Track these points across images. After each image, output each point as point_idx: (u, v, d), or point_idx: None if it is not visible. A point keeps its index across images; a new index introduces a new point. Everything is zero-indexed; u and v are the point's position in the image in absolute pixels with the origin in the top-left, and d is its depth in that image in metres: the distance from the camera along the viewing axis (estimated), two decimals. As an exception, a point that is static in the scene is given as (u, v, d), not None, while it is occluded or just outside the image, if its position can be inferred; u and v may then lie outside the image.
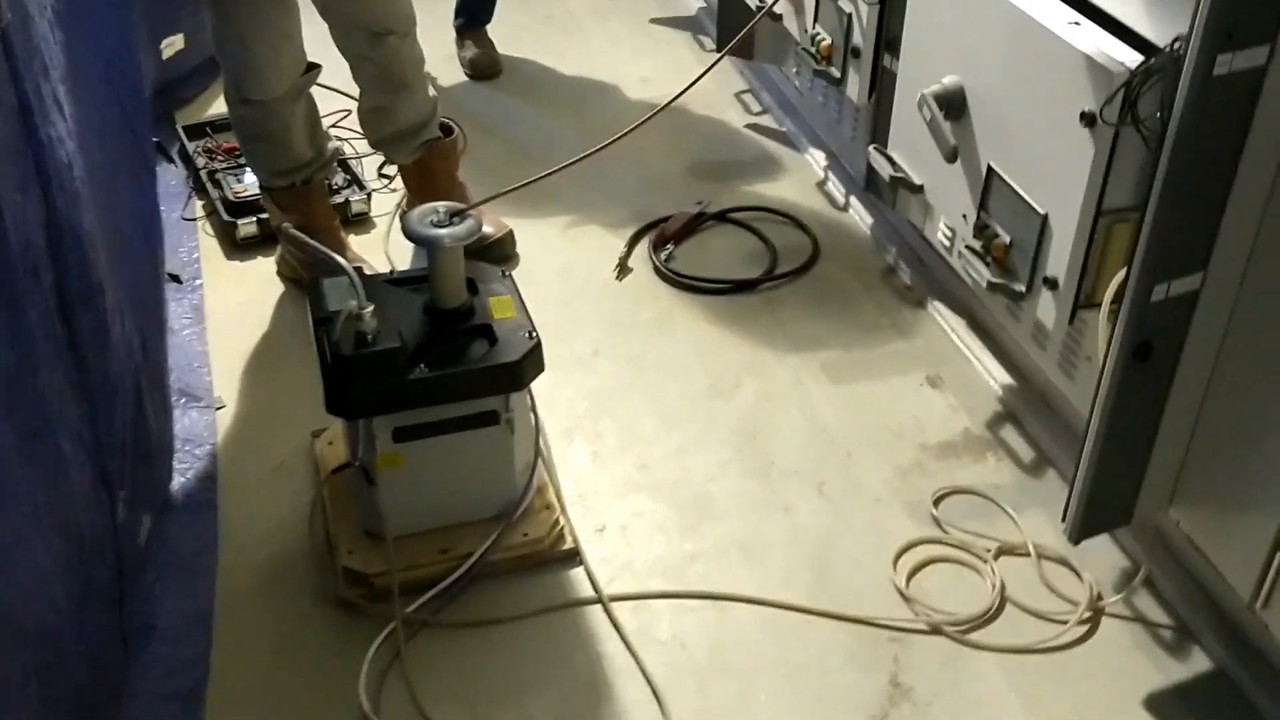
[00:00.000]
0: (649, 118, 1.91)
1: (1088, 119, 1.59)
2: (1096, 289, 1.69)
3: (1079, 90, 1.60)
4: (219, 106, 2.76)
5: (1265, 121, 1.38)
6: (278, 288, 2.43)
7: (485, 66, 3.26)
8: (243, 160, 2.61)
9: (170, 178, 2.72)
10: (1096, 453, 1.57)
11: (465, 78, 3.26)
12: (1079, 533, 1.65)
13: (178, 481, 1.95)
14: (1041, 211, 1.74)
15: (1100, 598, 1.79)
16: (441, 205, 1.76)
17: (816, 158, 2.86)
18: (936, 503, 1.96)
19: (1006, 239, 1.84)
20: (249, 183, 2.58)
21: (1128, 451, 1.60)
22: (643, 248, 2.58)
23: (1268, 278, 1.47)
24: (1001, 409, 2.15)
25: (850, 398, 2.19)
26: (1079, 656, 1.72)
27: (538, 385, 1.87)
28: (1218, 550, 1.67)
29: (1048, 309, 1.80)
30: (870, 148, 2.20)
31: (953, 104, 1.90)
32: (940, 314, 2.37)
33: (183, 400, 2.10)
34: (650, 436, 2.10)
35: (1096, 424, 1.55)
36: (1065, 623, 1.75)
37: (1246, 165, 1.41)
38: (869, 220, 2.64)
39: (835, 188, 2.76)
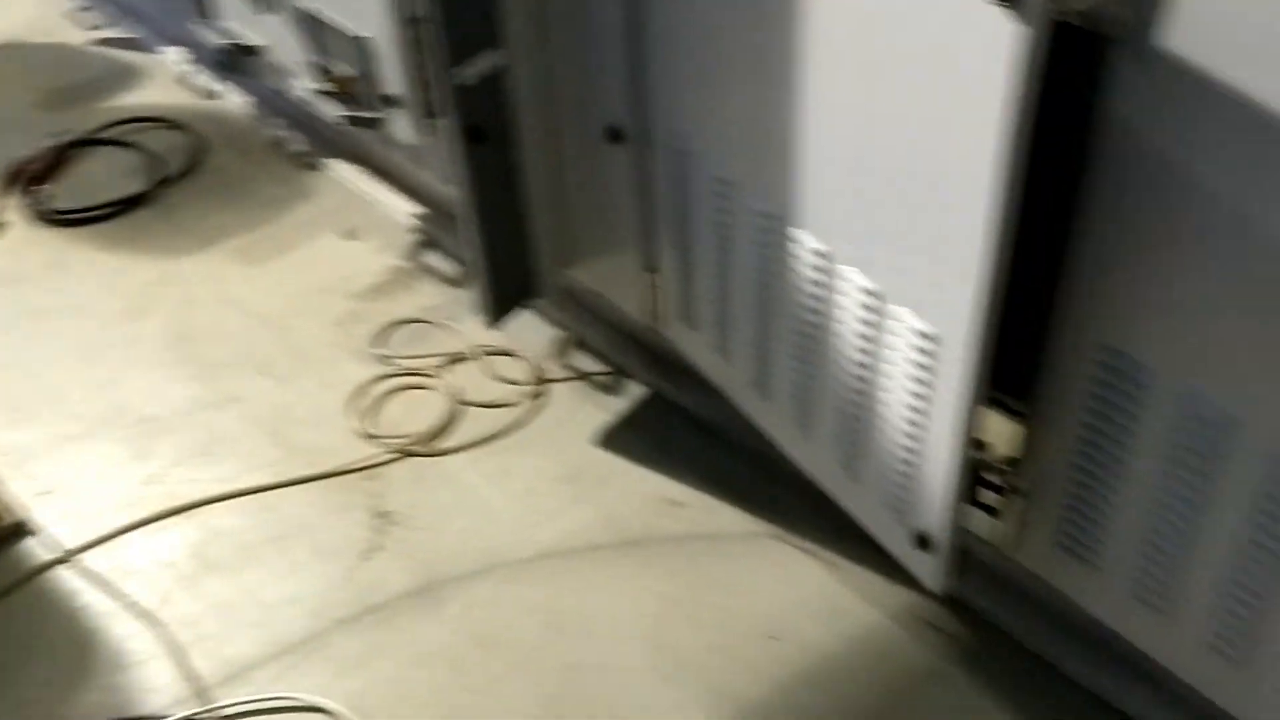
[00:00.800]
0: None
1: (358, -68, 1.63)
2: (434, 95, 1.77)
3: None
4: None
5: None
6: None
7: None
8: None
9: None
10: (474, 238, 1.67)
11: None
12: (493, 315, 1.76)
13: None
14: (362, 35, 1.78)
15: (544, 371, 1.94)
16: None
17: (174, 55, 2.72)
18: (379, 341, 2.01)
19: (347, 72, 1.87)
20: None
21: (504, 230, 1.71)
22: (12, 197, 2.36)
23: (558, 42, 1.60)
24: (419, 238, 2.22)
25: (271, 275, 2.16)
26: (536, 426, 1.86)
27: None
28: (615, 291, 1.85)
29: (404, 127, 1.86)
30: (200, 24, 2.13)
31: (248, -46, 1.88)
32: (337, 169, 2.38)
33: None
34: (70, 382, 1.97)
35: (463, 212, 1.65)
36: (518, 404, 1.89)
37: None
38: (244, 100, 2.57)
39: (200, 79, 2.65)
